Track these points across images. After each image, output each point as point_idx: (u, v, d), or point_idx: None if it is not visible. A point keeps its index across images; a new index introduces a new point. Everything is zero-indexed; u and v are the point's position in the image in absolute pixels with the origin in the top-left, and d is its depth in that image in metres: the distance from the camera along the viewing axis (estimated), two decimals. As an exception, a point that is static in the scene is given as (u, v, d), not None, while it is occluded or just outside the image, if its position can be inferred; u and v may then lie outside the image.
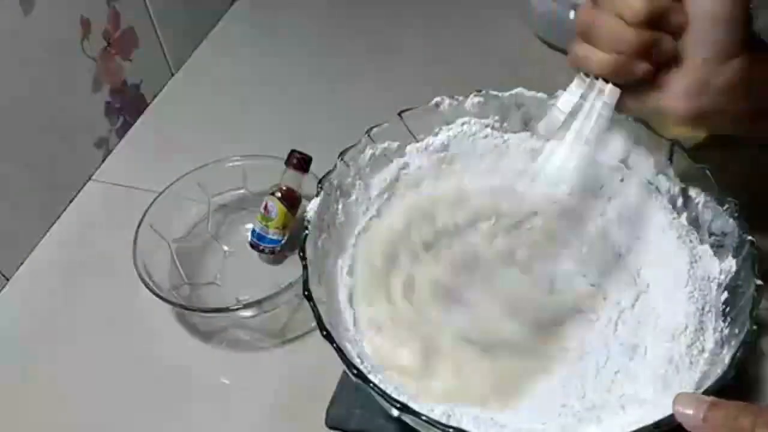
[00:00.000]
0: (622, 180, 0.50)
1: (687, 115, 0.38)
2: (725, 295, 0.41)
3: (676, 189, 0.47)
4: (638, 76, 0.38)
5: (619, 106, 0.40)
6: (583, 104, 0.40)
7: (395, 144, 0.51)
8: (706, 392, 0.35)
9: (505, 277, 0.49)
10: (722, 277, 0.42)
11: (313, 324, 0.39)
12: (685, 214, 0.47)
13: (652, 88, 0.38)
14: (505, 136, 0.52)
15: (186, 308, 0.53)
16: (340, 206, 0.49)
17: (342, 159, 0.48)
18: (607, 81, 0.39)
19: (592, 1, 0.38)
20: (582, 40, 0.39)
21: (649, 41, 0.36)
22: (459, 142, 0.53)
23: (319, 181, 0.47)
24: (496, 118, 0.52)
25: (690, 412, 0.33)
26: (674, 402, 0.34)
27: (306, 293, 0.41)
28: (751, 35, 0.37)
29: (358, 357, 0.42)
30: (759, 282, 0.39)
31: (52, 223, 0.65)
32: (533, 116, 0.51)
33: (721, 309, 0.41)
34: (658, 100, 0.38)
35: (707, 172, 0.44)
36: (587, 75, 0.40)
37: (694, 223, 0.46)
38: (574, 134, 0.41)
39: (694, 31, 0.37)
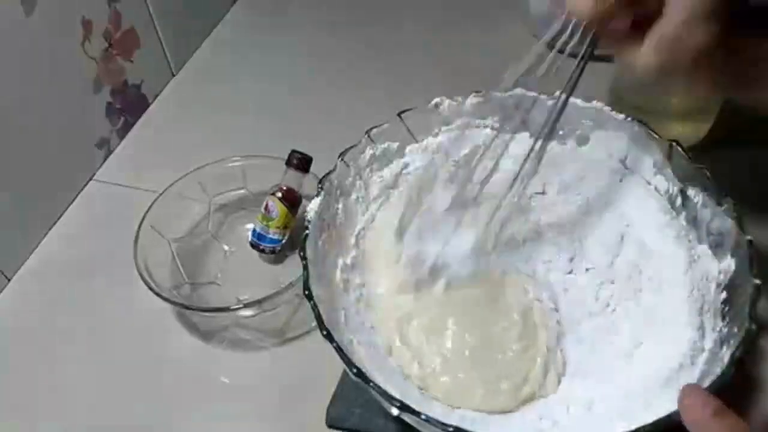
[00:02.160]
0: (621, 180, 0.50)
1: (655, 68, 0.38)
2: (724, 294, 0.41)
3: (674, 189, 0.47)
4: (618, 26, 0.38)
5: (592, 51, 0.40)
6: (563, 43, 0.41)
7: (395, 144, 0.51)
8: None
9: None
10: (721, 276, 0.42)
11: (313, 324, 0.39)
12: (684, 214, 0.47)
13: (628, 40, 0.39)
14: (506, 137, 0.52)
15: (186, 308, 0.53)
16: (340, 206, 0.49)
17: (342, 159, 0.49)
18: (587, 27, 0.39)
19: None
20: None
21: None
22: (459, 143, 0.53)
23: (320, 181, 0.47)
24: (496, 118, 0.52)
25: (696, 411, 0.33)
26: (681, 394, 0.34)
27: (306, 293, 0.41)
28: (744, 4, 0.38)
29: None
30: (758, 281, 0.39)
31: (54, 223, 0.65)
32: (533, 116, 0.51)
33: (720, 308, 0.41)
34: (632, 51, 0.39)
35: (706, 172, 0.44)
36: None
37: (693, 222, 0.46)
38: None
39: None
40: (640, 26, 0.38)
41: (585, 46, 0.40)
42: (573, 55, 0.41)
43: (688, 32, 0.37)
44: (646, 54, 0.38)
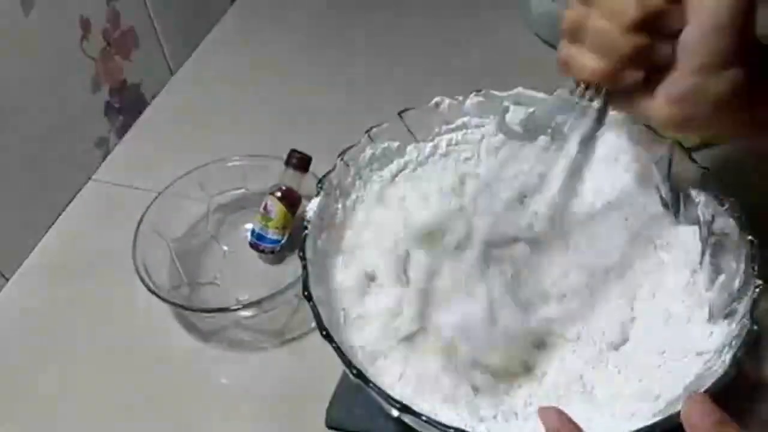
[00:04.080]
0: (620, 180, 0.50)
1: (674, 123, 0.36)
2: (725, 295, 0.41)
3: (676, 189, 0.47)
4: (629, 84, 0.36)
5: (606, 110, 0.38)
6: (571, 108, 0.39)
7: (395, 144, 0.51)
8: (706, 392, 0.35)
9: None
10: (722, 277, 0.42)
11: (313, 324, 0.39)
12: (685, 214, 0.47)
13: (642, 93, 0.36)
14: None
15: (186, 308, 0.53)
16: (340, 206, 0.49)
17: (342, 159, 0.48)
18: (596, 86, 0.37)
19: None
20: (570, 42, 0.37)
21: (642, 48, 0.34)
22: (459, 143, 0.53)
23: (319, 181, 0.47)
24: (496, 118, 0.52)
25: (697, 419, 0.33)
26: (685, 401, 0.33)
27: (306, 293, 0.41)
28: (756, 42, 0.35)
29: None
30: (759, 282, 0.39)
31: (52, 223, 0.65)
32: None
33: (722, 309, 0.41)
34: (647, 105, 0.36)
35: (707, 172, 0.44)
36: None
37: (695, 223, 0.46)
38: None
39: (692, 35, 0.34)
40: (655, 78, 0.35)
41: (599, 106, 0.38)
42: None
43: (704, 83, 0.34)
44: (659, 108, 0.35)
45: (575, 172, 0.46)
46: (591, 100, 0.38)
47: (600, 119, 0.40)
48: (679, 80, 0.35)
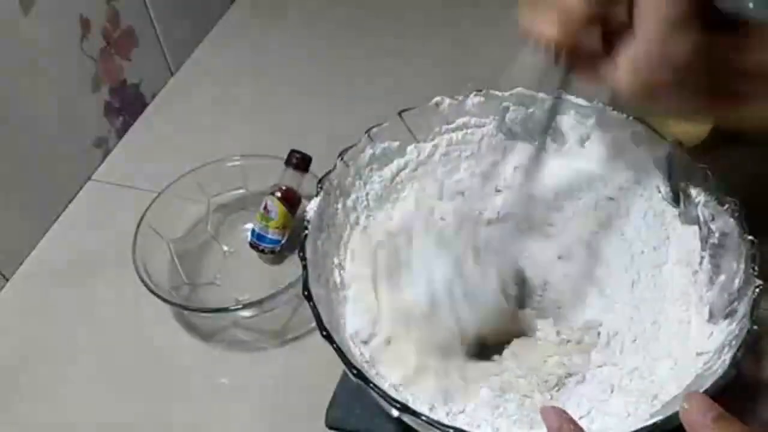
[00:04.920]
0: (619, 180, 0.50)
1: (635, 90, 0.35)
2: (725, 295, 0.41)
3: (676, 189, 0.47)
4: (587, 48, 0.35)
5: (567, 77, 0.38)
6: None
7: (395, 144, 0.51)
8: (706, 392, 0.35)
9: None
10: (722, 277, 0.42)
11: (313, 324, 0.39)
12: (685, 214, 0.47)
13: (603, 62, 0.36)
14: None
15: (185, 308, 0.53)
16: (340, 206, 0.49)
17: (342, 159, 0.48)
18: (556, 53, 0.37)
19: None
20: (530, 5, 0.37)
21: (599, 10, 0.34)
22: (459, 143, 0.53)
23: (319, 181, 0.47)
24: (496, 118, 0.52)
25: (696, 417, 0.33)
26: (683, 400, 0.34)
27: (306, 293, 0.40)
28: (714, 10, 0.35)
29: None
30: (759, 282, 0.39)
31: (52, 223, 0.65)
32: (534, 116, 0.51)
33: (722, 310, 0.41)
34: (610, 75, 0.35)
35: (707, 172, 0.44)
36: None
37: (695, 223, 0.46)
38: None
39: None
40: (616, 48, 0.35)
41: (560, 74, 0.38)
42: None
43: (664, 45, 0.33)
44: (622, 76, 0.35)
45: (538, 155, 0.46)
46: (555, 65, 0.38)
47: (563, 86, 0.39)
48: (639, 45, 0.34)
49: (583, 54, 0.36)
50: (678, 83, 0.35)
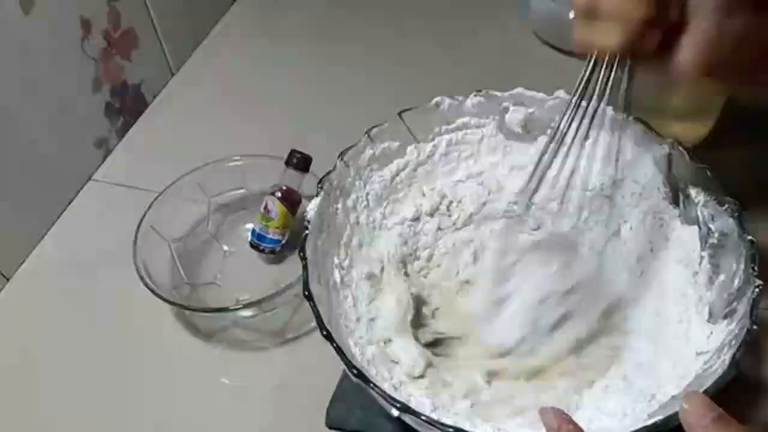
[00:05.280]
0: (619, 180, 0.50)
1: (700, 71, 0.37)
2: (725, 295, 0.41)
3: (676, 189, 0.47)
4: (649, 48, 0.37)
5: (631, 81, 0.40)
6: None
7: (395, 144, 0.51)
8: (706, 392, 0.35)
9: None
10: (722, 277, 0.42)
11: (313, 324, 0.39)
12: (684, 214, 0.47)
13: (662, 54, 0.37)
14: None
15: (186, 308, 0.53)
16: (340, 206, 0.49)
17: (342, 159, 0.48)
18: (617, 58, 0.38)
19: None
20: (585, 21, 0.38)
21: (656, 9, 0.35)
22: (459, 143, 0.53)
23: (319, 181, 0.47)
24: (496, 118, 0.52)
25: (695, 417, 0.33)
26: (683, 400, 0.34)
27: (306, 293, 0.41)
28: None
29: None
30: (759, 282, 0.39)
31: (52, 223, 0.65)
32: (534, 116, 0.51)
33: (722, 309, 0.41)
34: (672, 62, 0.37)
35: (707, 172, 0.44)
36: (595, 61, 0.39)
37: (695, 223, 0.46)
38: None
39: None
40: (668, 46, 0.37)
41: (624, 78, 0.39)
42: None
43: (721, 23, 0.35)
44: (687, 58, 0.36)
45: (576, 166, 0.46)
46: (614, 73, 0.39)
47: (628, 91, 0.41)
48: (699, 27, 0.36)
49: (644, 54, 0.37)
50: (735, 61, 0.37)
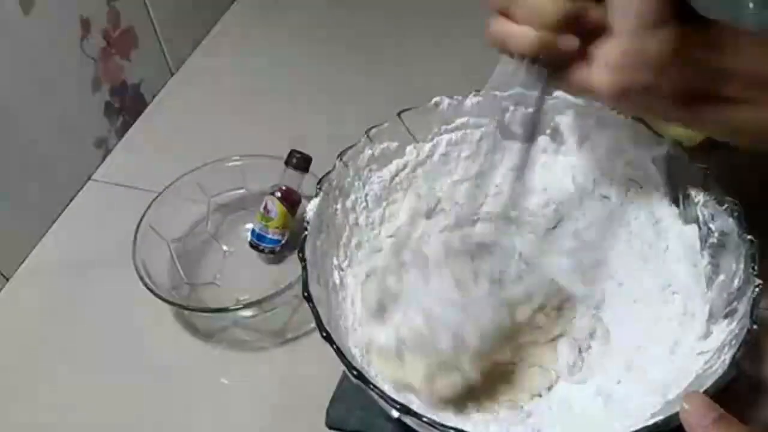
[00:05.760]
0: (618, 180, 0.50)
1: (613, 92, 0.34)
2: (725, 295, 0.41)
3: (675, 189, 0.47)
4: (565, 52, 0.34)
5: (546, 86, 0.38)
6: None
7: (395, 144, 0.51)
8: (706, 392, 0.35)
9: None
10: (722, 276, 0.42)
11: (313, 324, 0.39)
12: (684, 214, 0.47)
13: (579, 65, 0.35)
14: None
15: (185, 308, 0.53)
16: (339, 206, 0.49)
17: (341, 159, 0.48)
18: (531, 60, 0.36)
19: None
20: (500, 16, 0.36)
21: (574, 12, 0.33)
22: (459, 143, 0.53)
23: (319, 182, 0.47)
24: (497, 118, 0.52)
25: (696, 418, 0.33)
26: (683, 401, 0.33)
27: (306, 293, 0.40)
28: (685, 7, 0.34)
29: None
30: (759, 282, 0.39)
31: (52, 223, 0.65)
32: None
33: (722, 309, 0.41)
34: (587, 77, 0.35)
35: (707, 172, 0.44)
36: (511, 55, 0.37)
37: (695, 223, 0.46)
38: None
39: None
40: (592, 51, 0.34)
41: (540, 84, 0.37)
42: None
43: (640, 44, 0.33)
44: (599, 76, 0.34)
45: (522, 159, 0.45)
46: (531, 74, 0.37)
47: (542, 94, 0.39)
48: (616, 44, 0.33)
49: (560, 60, 0.35)
50: (655, 84, 0.34)
